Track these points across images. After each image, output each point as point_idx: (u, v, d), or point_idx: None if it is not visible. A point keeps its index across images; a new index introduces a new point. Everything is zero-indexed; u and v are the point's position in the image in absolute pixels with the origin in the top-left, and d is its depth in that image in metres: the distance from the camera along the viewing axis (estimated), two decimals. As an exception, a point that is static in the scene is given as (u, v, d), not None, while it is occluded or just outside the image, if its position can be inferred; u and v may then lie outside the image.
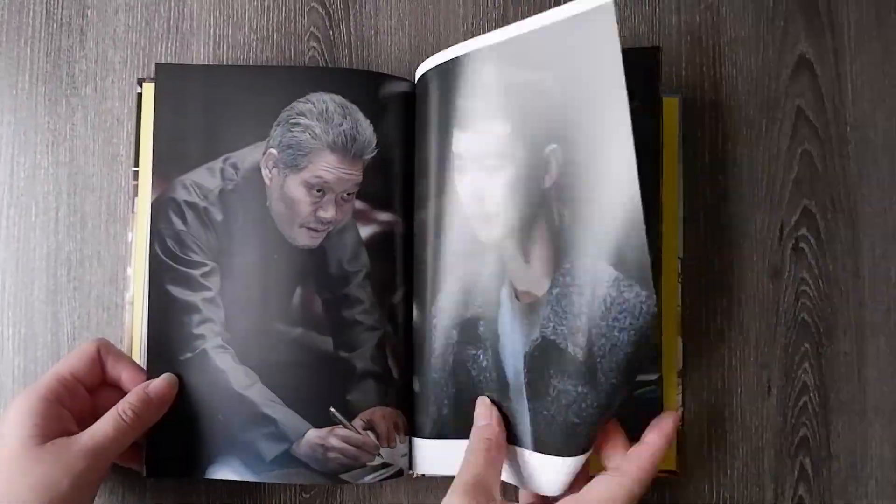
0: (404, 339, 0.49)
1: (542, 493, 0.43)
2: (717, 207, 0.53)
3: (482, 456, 0.42)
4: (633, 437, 0.49)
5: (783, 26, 0.55)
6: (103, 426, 0.43)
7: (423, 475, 0.50)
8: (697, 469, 0.52)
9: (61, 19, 0.54)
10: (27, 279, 0.52)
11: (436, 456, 0.48)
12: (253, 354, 0.48)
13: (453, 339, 0.47)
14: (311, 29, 0.54)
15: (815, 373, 0.52)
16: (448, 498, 0.40)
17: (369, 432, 0.48)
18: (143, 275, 0.50)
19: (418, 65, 0.49)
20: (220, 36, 0.54)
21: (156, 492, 0.51)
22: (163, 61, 0.54)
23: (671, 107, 0.53)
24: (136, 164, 0.52)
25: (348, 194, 0.49)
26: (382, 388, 0.48)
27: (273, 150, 0.49)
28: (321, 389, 0.48)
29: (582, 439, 0.41)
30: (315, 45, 0.54)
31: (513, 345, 0.44)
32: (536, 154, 0.42)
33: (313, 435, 0.47)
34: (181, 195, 0.49)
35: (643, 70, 0.48)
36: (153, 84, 0.50)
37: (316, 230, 0.48)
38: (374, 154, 0.49)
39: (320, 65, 0.54)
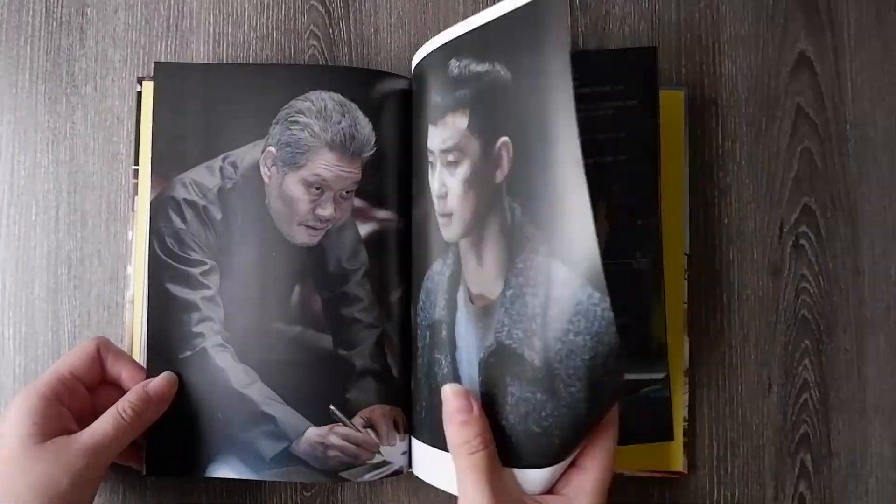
0: (403, 337, 0.49)
1: None
2: (717, 205, 0.53)
3: (472, 479, 0.38)
4: (637, 436, 0.49)
5: (783, 24, 0.55)
6: (103, 425, 0.43)
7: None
8: (699, 467, 0.52)
9: (61, 18, 0.54)
10: (27, 278, 0.52)
11: (430, 466, 0.46)
12: (252, 353, 0.48)
13: (426, 342, 0.46)
14: (311, 27, 0.54)
15: (815, 370, 0.52)
16: None
17: (369, 430, 0.48)
18: (143, 273, 0.50)
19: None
20: (219, 34, 0.54)
21: (156, 490, 0.51)
22: (163, 60, 0.54)
23: (676, 100, 0.52)
24: (136, 162, 0.52)
25: (347, 192, 0.49)
26: (382, 385, 0.48)
27: (272, 149, 0.49)
28: (321, 387, 0.48)
29: (550, 451, 0.38)
30: (315, 43, 0.54)
31: (468, 352, 0.42)
32: (489, 147, 0.41)
33: (313, 433, 0.47)
34: (180, 193, 0.49)
35: (641, 70, 0.49)
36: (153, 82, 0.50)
37: (315, 228, 0.48)
38: (372, 152, 0.49)
39: (320, 63, 0.54)
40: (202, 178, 0.49)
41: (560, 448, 0.38)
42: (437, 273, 0.45)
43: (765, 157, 0.54)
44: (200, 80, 0.49)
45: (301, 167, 0.48)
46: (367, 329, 0.48)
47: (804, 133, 0.54)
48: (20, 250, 0.52)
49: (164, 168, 0.49)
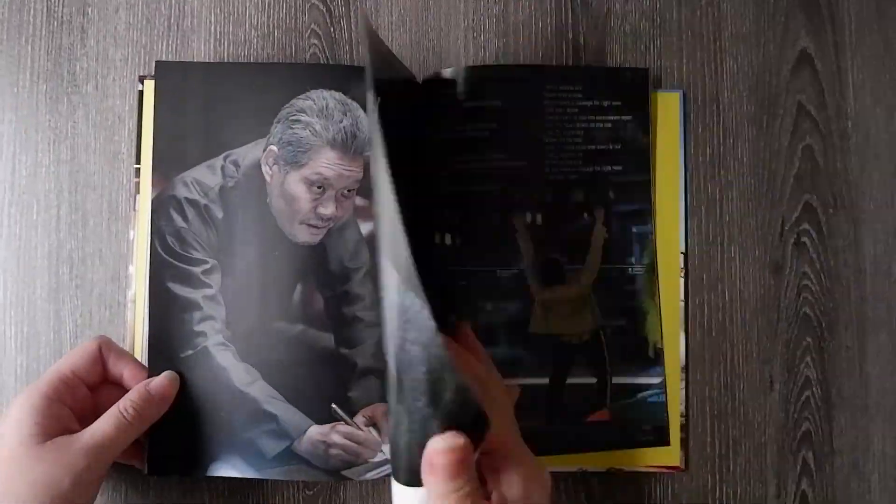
0: (405, 336, 0.49)
1: None
2: (719, 203, 0.53)
3: None
4: (634, 441, 0.49)
5: (784, 21, 0.54)
6: (104, 424, 0.43)
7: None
8: (700, 465, 0.52)
9: (62, 17, 0.54)
10: (29, 277, 0.52)
11: None
12: (254, 351, 0.48)
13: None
14: (312, 26, 0.54)
15: (817, 367, 0.52)
16: None
17: (371, 429, 0.48)
18: (144, 272, 0.50)
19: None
20: (220, 33, 0.54)
21: (158, 489, 0.51)
22: (164, 59, 0.54)
23: (672, 102, 0.53)
24: (138, 161, 0.52)
25: (349, 191, 0.49)
26: (384, 384, 0.48)
27: (273, 147, 0.49)
28: (322, 386, 0.48)
29: (403, 467, 0.34)
30: (316, 41, 0.54)
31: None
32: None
33: (315, 432, 0.47)
34: (182, 192, 0.49)
35: (635, 88, 0.52)
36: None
37: (316, 227, 0.49)
38: (374, 150, 0.49)
39: (321, 62, 0.54)
40: (203, 177, 0.49)
41: (407, 467, 0.34)
42: None
43: (766, 154, 0.54)
44: (202, 79, 0.49)
45: (303, 166, 0.48)
46: (368, 328, 0.48)
47: (805, 130, 0.54)
48: (21, 250, 0.52)
49: (166, 167, 0.49)
